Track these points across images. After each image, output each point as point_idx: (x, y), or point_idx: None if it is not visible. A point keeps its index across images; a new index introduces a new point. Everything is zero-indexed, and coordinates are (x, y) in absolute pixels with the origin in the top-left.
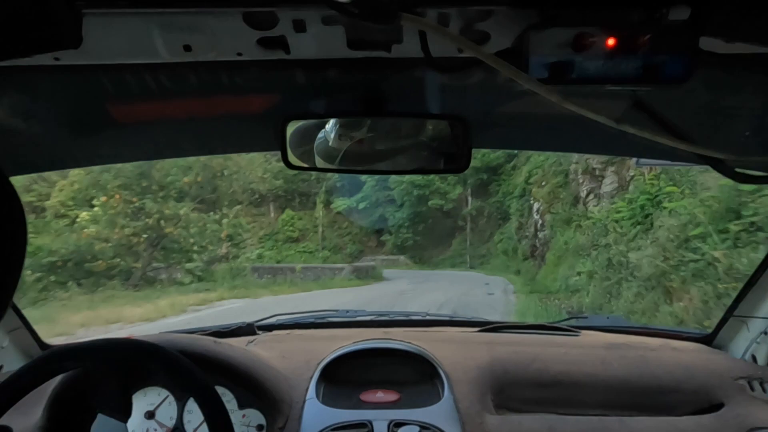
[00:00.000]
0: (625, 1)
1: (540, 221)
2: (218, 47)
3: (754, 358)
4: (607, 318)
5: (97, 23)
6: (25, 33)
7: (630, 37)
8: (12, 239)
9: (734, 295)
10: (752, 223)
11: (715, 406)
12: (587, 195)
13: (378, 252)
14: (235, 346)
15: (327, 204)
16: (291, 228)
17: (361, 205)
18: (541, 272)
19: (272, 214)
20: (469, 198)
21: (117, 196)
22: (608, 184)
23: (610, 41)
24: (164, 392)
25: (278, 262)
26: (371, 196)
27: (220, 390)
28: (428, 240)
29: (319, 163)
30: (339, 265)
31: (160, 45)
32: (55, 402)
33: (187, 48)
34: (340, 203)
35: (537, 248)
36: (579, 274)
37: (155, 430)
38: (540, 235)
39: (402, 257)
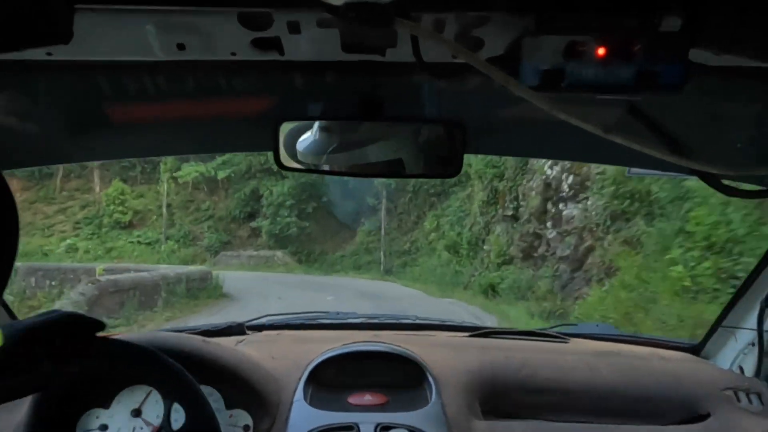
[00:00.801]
0: (618, 10)
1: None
2: (212, 47)
3: (741, 369)
4: (597, 326)
5: (90, 19)
6: (15, 26)
7: (622, 46)
8: (2, 234)
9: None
10: None
11: (702, 416)
12: None
13: (249, 244)
14: (224, 345)
15: (175, 177)
16: (121, 208)
17: (222, 173)
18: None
19: (97, 189)
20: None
21: None
22: None
23: (602, 50)
24: (151, 390)
25: (97, 257)
26: (236, 160)
27: (208, 390)
28: (321, 227)
29: (312, 165)
30: (164, 267)
31: (153, 43)
32: (40, 399)
33: (181, 47)
34: (190, 170)
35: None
36: None
37: (141, 428)
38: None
39: (279, 253)
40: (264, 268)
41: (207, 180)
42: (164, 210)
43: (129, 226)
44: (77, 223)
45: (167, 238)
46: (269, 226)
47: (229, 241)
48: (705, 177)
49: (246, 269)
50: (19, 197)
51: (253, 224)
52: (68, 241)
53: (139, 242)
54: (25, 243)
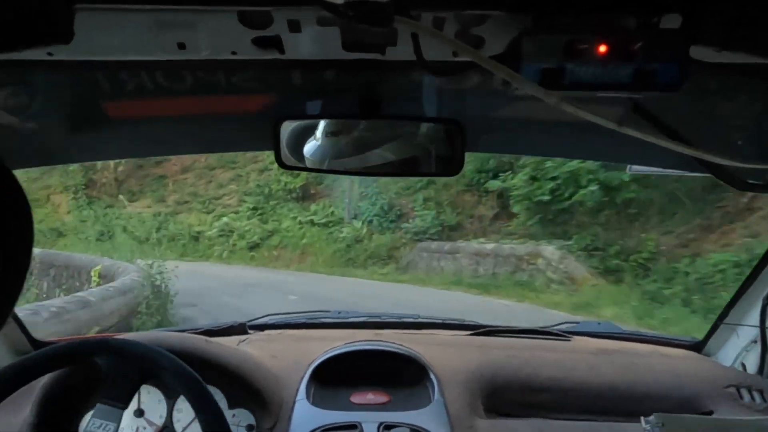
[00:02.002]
0: (617, 9)
1: None
2: (213, 46)
3: (743, 366)
4: (599, 324)
5: (91, 19)
6: (16, 27)
7: (622, 44)
8: (18, 236)
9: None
10: None
11: (704, 413)
12: None
13: (494, 230)
14: (226, 345)
15: None
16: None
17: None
18: None
19: None
20: None
21: None
22: None
23: (602, 48)
24: (153, 390)
25: (253, 245)
26: None
27: (210, 389)
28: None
29: (312, 163)
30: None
31: (154, 42)
32: (44, 398)
33: (182, 46)
34: None
35: None
36: None
37: (144, 428)
38: None
39: (550, 248)
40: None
41: None
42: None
43: (305, 197)
44: (246, 193)
45: (354, 216)
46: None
47: (459, 223)
48: (716, 171)
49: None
50: (202, 163)
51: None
52: (224, 219)
53: (312, 222)
54: (178, 221)
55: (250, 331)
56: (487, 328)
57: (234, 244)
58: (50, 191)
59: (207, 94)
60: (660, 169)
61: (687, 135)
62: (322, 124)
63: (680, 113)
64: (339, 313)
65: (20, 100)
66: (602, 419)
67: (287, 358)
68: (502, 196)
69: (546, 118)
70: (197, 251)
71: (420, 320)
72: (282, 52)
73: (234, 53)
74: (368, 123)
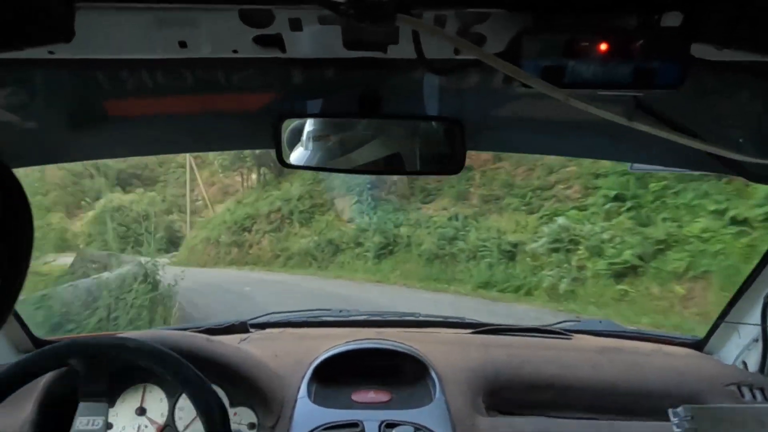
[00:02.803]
0: (618, 7)
1: None
2: (214, 44)
3: (744, 364)
4: (600, 322)
5: (91, 17)
6: (17, 25)
7: (623, 43)
8: (17, 234)
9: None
10: None
11: None
12: None
13: None
14: (228, 343)
15: None
16: None
17: None
18: None
19: None
20: None
21: None
22: None
23: (603, 46)
24: (155, 389)
25: None
26: None
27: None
28: None
29: (314, 162)
30: None
31: (154, 41)
32: (45, 397)
33: (183, 44)
34: None
35: None
36: None
37: (146, 426)
38: None
39: None
40: None
41: None
42: None
43: None
44: (598, 174)
45: None
46: None
47: None
48: (726, 165)
49: None
50: None
51: None
52: (559, 220)
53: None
54: (483, 227)
55: (251, 330)
56: (489, 327)
57: (582, 266)
58: (333, 194)
59: (207, 93)
60: (662, 167)
61: (690, 132)
62: (325, 124)
63: (681, 111)
64: (340, 311)
65: (21, 98)
66: (604, 417)
67: (289, 357)
68: None
69: (547, 116)
70: (512, 279)
71: (421, 319)
72: (283, 50)
73: (235, 52)
74: (372, 122)
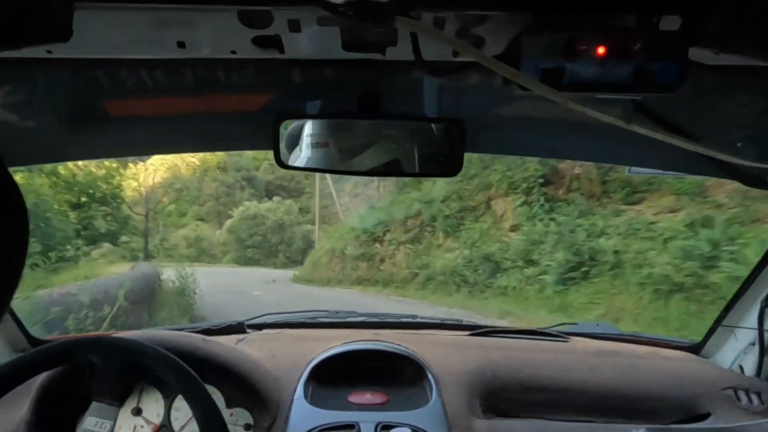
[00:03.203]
0: (617, 9)
1: None
2: (212, 45)
3: (741, 368)
4: (597, 325)
5: (90, 17)
6: (15, 24)
7: (621, 45)
8: (12, 234)
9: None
10: None
11: (702, 416)
12: None
13: None
14: (225, 344)
15: None
16: None
17: None
18: None
19: None
20: None
21: None
22: None
23: (602, 48)
24: (151, 389)
25: None
26: None
27: (209, 388)
28: None
29: (312, 163)
30: None
31: (153, 41)
32: (42, 396)
33: (181, 45)
34: None
35: None
36: None
37: (142, 426)
38: None
39: None
40: None
41: None
42: None
43: None
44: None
45: None
46: None
47: None
48: (727, 169)
49: None
50: None
51: None
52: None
53: None
54: (743, 234)
55: (248, 331)
56: (486, 329)
57: None
58: (490, 194)
59: (207, 93)
60: (659, 171)
61: (688, 135)
62: (323, 126)
63: (679, 115)
64: (337, 313)
65: (19, 97)
66: (601, 420)
67: (285, 358)
68: None
69: (545, 118)
70: None
71: (418, 320)
72: (282, 51)
73: (234, 52)
74: (367, 122)
